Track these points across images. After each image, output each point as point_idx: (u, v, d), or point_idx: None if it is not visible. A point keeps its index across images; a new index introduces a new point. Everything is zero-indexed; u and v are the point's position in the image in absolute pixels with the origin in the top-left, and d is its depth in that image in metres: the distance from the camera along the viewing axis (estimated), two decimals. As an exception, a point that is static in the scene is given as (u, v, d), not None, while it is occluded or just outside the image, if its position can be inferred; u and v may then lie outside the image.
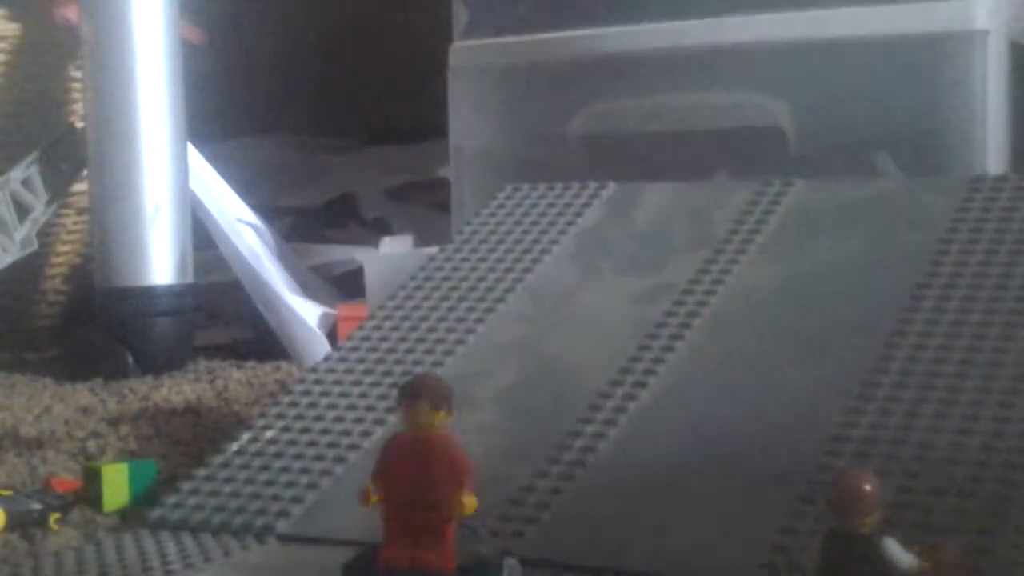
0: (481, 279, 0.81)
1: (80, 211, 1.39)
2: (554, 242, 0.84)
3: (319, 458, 0.66)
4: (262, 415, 0.71)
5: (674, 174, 0.99)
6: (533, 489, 0.60)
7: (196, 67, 1.32)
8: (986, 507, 0.53)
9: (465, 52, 1.23)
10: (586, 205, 0.87)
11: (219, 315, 1.42)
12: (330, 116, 2.06)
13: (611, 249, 0.82)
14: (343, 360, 0.75)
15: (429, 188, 1.74)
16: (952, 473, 0.56)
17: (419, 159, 1.79)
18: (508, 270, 0.82)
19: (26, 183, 1.29)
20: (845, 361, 0.66)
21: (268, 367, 1.18)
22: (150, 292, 1.23)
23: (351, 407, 0.70)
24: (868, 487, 0.44)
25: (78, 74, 1.33)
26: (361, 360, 0.75)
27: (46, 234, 1.36)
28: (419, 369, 0.72)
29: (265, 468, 0.66)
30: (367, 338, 0.77)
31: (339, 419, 0.69)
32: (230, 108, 1.81)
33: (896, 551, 0.44)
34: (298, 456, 0.67)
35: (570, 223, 0.86)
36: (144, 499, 0.75)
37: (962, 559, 0.48)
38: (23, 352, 1.36)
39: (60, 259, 1.43)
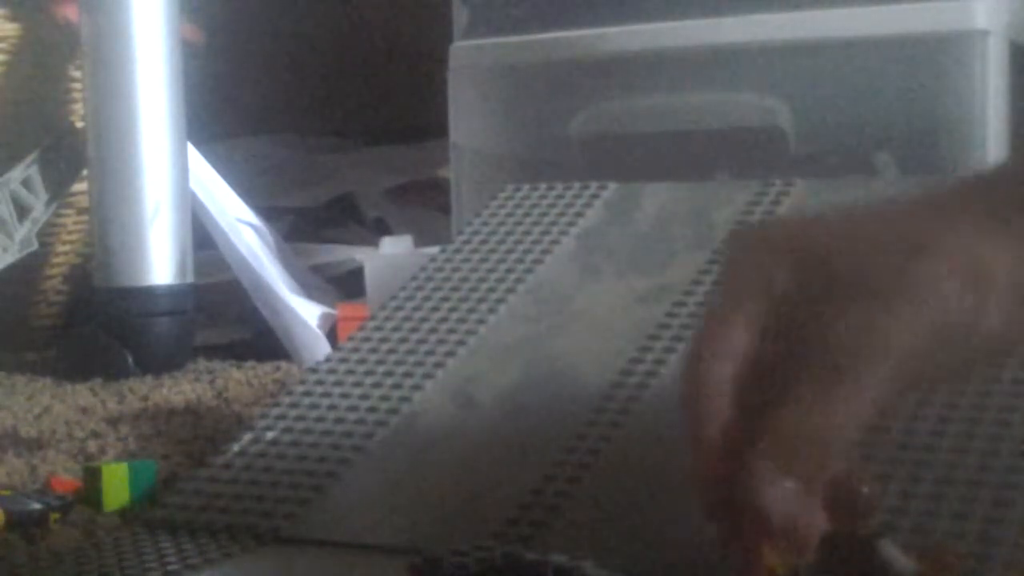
0: (482, 280, 0.81)
1: (80, 211, 1.39)
2: (555, 242, 0.84)
3: (322, 460, 0.66)
4: (263, 416, 0.71)
5: (674, 174, 0.99)
6: (541, 493, 0.60)
7: (196, 67, 1.32)
8: (987, 512, 0.53)
9: (465, 52, 1.23)
10: (587, 205, 0.87)
11: (219, 315, 1.42)
12: (330, 116, 2.06)
13: (612, 250, 0.82)
14: (344, 361, 0.75)
15: (429, 188, 1.74)
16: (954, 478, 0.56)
17: (419, 159, 1.79)
18: (509, 271, 0.81)
19: (26, 183, 1.29)
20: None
21: (268, 367, 1.18)
22: (150, 292, 1.23)
23: (352, 408, 0.70)
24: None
25: (78, 74, 1.33)
26: (362, 361, 0.74)
27: (46, 234, 1.36)
28: (420, 370, 0.72)
29: (267, 470, 0.66)
30: (368, 339, 0.77)
31: (340, 420, 0.69)
32: (230, 108, 1.81)
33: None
34: (301, 458, 0.67)
35: (571, 223, 0.86)
36: (144, 499, 0.75)
37: (963, 563, 0.48)
38: (23, 352, 1.36)
39: (60, 259, 1.43)
